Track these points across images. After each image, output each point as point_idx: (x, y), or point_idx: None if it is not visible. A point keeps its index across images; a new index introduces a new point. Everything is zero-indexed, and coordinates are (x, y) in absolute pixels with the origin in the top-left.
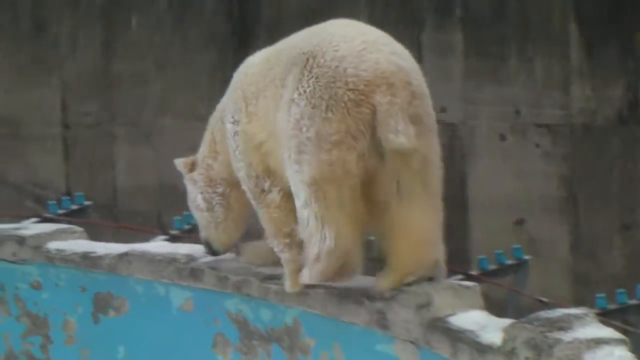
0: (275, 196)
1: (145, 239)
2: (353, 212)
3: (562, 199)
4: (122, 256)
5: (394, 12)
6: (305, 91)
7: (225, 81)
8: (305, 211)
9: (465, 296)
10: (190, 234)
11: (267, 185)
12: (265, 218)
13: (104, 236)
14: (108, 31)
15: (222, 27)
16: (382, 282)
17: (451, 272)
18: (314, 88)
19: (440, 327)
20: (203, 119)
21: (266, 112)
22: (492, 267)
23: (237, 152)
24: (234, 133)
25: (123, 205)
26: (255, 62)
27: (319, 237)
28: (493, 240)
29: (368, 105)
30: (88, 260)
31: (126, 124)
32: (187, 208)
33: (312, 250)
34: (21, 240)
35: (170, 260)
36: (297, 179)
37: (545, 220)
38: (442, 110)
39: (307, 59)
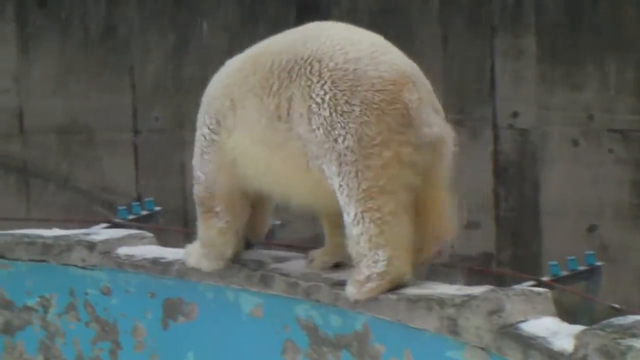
0: (220, 224)
1: None
2: (408, 229)
3: (635, 206)
4: None
5: (466, 16)
6: (324, 99)
7: None
8: (355, 229)
9: (537, 302)
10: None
11: (217, 209)
12: (204, 230)
13: (174, 242)
14: (178, 36)
15: None
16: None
17: (522, 279)
18: (335, 94)
19: (511, 334)
20: None
21: (246, 123)
22: (564, 273)
23: (206, 158)
24: (211, 140)
25: (193, 211)
26: (230, 69)
27: (372, 259)
28: (565, 246)
29: (399, 103)
30: (158, 265)
31: (196, 129)
32: None
33: (363, 270)
34: (91, 246)
35: (241, 266)
36: (344, 194)
37: (618, 226)
38: (515, 115)
39: (311, 64)
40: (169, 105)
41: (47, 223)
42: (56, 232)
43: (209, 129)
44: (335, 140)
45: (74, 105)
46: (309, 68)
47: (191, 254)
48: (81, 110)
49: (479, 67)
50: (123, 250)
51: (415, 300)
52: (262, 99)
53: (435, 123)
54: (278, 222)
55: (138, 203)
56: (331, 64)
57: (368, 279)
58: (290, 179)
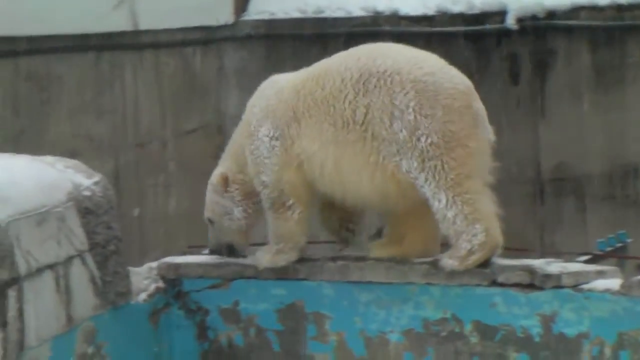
0: (295, 215)
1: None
2: (493, 204)
3: None
4: None
5: None
6: (408, 105)
7: None
8: (450, 212)
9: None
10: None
11: (289, 202)
12: (279, 226)
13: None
14: None
15: None
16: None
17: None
18: (419, 101)
19: None
20: None
21: (317, 128)
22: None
23: (267, 162)
24: (271, 147)
25: None
26: (287, 87)
27: (470, 234)
28: None
29: (471, 109)
30: None
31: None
32: None
33: (463, 245)
34: None
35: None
36: (432, 185)
37: None
38: None
39: (391, 77)
40: None
41: None
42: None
43: (268, 137)
44: (419, 140)
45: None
46: (389, 80)
47: (263, 256)
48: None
49: None
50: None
51: None
52: (335, 107)
53: (490, 131)
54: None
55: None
56: (411, 77)
57: (470, 251)
58: (358, 174)
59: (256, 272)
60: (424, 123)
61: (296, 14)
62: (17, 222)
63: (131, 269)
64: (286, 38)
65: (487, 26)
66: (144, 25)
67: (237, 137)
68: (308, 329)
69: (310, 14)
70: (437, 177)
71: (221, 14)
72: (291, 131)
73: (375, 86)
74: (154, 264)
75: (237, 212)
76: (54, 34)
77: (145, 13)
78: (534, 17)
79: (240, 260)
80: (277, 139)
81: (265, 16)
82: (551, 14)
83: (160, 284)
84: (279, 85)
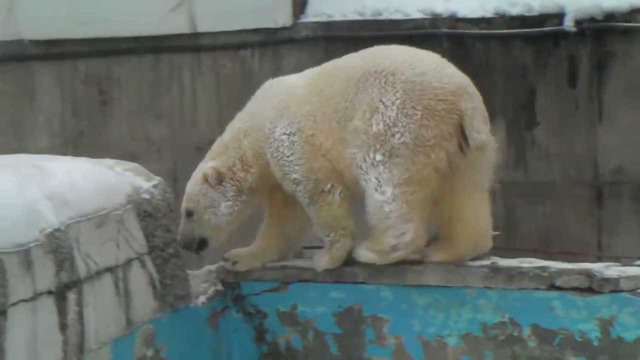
0: (336, 197)
1: None
2: (427, 210)
3: None
4: None
5: None
6: (393, 103)
7: None
8: (388, 207)
9: None
10: None
11: (327, 187)
12: (324, 214)
13: None
14: None
15: None
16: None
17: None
18: (404, 100)
19: None
20: None
21: (328, 124)
22: None
23: (292, 160)
24: (291, 143)
25: None
26: (299, 84)
27: (399, 231)
28: None
29: (456, 112)
30: None
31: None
32: None
33: (387, 240)
34: None
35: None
36: (384, 179)
37: None
38: None
39: (386, 76)
40: None
41: None
42: None
43: (286, 134)
44: (393, 136)
45: None
46: (383, 80)
47: (320, 259)
48: None
49: None
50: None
51: None
52: (340, 104)
53: (483, 131)
54: None
55: None
56: (403, 77)
57: (395, 248)
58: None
59: (314, 275)
60: (402, 121)
61: (354, 16)
62: (76, 224)
63: (190, 272)
64: (344, 40)
65: (545, 28)
66: (202, 28)
67: (236, 134)
68: (366, 333)
69: (368, 16)
70: (392, 173)
71: (279, 16)
72: (308, 123)
73: (371, 84)
74: (213, 267)
75: (225, 207)
76: (112, 37)
77: (203, 15)
78: (592, 19)
79: (299, 263)
80: (294, 134)
81: (323, 18)
82: (609, 16)
83: (219, 287)
84: (288, 84)
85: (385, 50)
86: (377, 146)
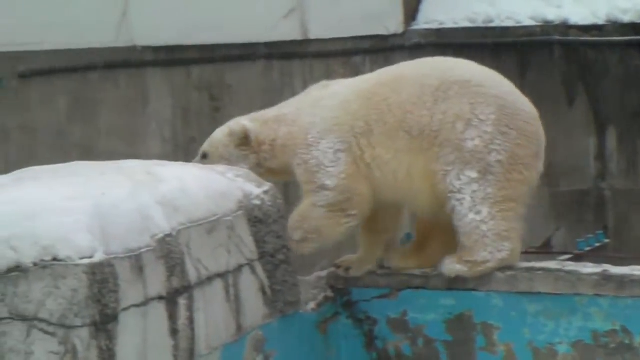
0: (349, 224)
1: None
2: (522, 227)
3: None
4: None
5: None
6: (489, 118)
7: None
8: (485, 226)
9: None
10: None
11: (352, 212)
12: (322, 224)
13: None
14: None
15: None
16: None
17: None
18: (499, 117)
19: None
20: None
21: (390, 135)
22: None
23: (331, 170)
24: (336, 158)
25: None
26: (351, 99)
27: (496, 247)
28: None
29: (538, 139)
30: None
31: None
32: None
33: (481, 254)
34: None
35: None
36: (479, 197)
37: None
38: None
39: (475, 88)
40: None
41: None
42: None
43: (332, 150)
44: (489, 153)
45: None
46: (473, 89)
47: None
48: None
49: None
50: None
51: None
52: (413, 113)
53: (543, 160)
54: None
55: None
56: (494, 92)
57: (486, 261)
58: (425, 181)
59: (425, 282)
60: (499, 139)
61: (465, 24)
62: (187, 230)
63: (300, 278)
64: (455, 47)
65: None
66: (313, 35)
67: (280, 117)
68: (477, 340)
69: (479, 23)
70: (486, 192)
71: (391, 23)
72: (361, 142)
73: (457, 93)
74: (323, 273)
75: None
76: (224, 43)
77: (314, 22)
78: None
79: (409, 270)
80: (343, 152)
81: (435, 25)
82: None
83: (329, 293)
84: (342, 96)
85: (457, 62)
86: (472, 164)
